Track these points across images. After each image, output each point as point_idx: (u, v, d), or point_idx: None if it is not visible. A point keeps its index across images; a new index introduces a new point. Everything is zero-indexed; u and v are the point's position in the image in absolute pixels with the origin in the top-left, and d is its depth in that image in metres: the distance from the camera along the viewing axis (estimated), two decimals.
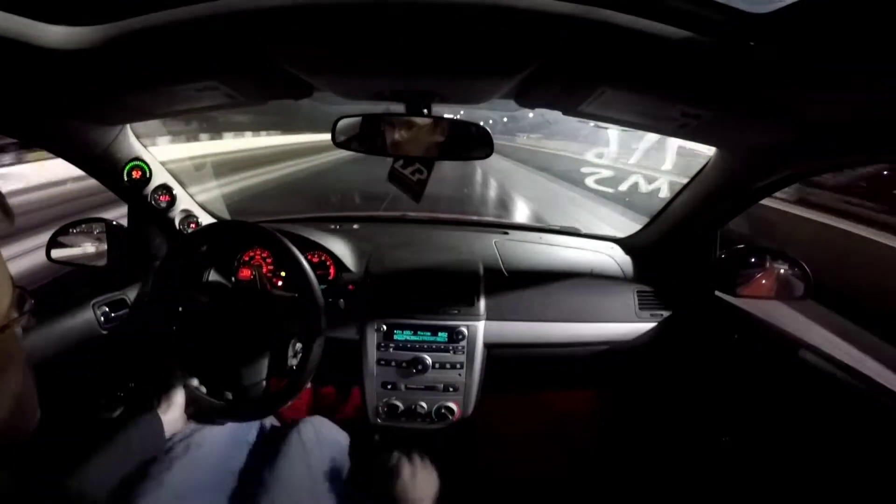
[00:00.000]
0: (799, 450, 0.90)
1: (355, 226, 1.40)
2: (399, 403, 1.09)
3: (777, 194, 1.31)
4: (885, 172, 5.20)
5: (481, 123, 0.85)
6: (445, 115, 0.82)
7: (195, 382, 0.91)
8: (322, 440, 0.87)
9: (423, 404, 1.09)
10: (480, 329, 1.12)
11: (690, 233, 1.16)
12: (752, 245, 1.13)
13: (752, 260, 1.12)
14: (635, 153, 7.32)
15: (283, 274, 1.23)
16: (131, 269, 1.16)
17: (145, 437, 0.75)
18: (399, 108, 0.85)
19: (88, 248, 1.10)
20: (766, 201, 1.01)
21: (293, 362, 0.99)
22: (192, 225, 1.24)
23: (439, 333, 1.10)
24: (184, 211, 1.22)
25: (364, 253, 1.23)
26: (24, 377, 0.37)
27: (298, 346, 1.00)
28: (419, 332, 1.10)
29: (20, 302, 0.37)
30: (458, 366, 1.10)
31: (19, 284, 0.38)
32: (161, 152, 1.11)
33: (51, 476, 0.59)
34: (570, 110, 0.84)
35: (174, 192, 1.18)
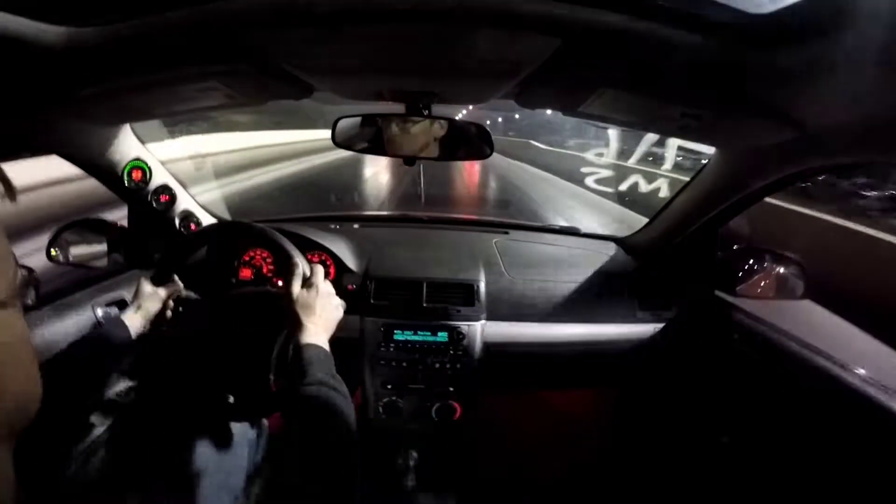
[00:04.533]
0: (798, 449, 0.91)
1: (356, 226, 1.40)
2: (399, 403, 1.09)
3: None
4: None
5: None
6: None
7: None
8: None
9: (424, 404, 1.09)
10: (480, 329, 1.12)
11: (690, 233, 1.16)
12: (752, 245, 1.13)
13: (752, 260, 1.12)
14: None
15: (283, 274, 1.23)
16: (131, 270, 1.16)
17: (112, 336, 0.77)
18: (399, 108, 0.85)
19: (88, 248, 1.10)
20: None
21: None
22: (192, 225, 1.24)
23: (439, 333, 1.10)
24: (184, 211, 1.22)
25: (364, 253, 1.23)
26: (28, 356, 0.37)
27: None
28: (419, 332, 1.10)
29: (25, 281, 0.37)
30: (459, 365, 1.10)
31: (22, 264, 0.38)
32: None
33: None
34: (570, 110, 0.84)
35: (174, 192, 1.18)
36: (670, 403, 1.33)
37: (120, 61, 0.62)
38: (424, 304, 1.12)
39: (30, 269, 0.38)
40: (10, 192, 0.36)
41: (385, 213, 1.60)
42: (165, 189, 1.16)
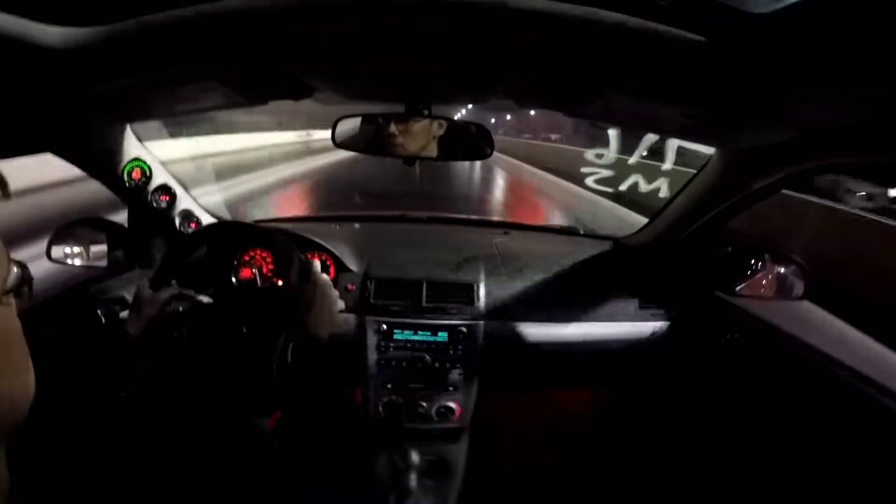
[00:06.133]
0: (798, 449, 0.91)
1: (356, 225, 1.40)
2: (399, 403, 1.09)
3: None
4: None
5: None
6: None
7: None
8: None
9: (424, 404, 1.09)
10: (480, 328, 1.12)
11: (690, 232, 1.16)
12: (752, 245, 1.13)
13: (752, 260, 1.12)
14: None
15: (283, 274, 1.23)
16: (131, 270, 1.16)
17: (112, 339, 0.79)
18: (399, 108, 0.85)
19: (89, 248, 1.10)
20: None
21: (294, 361, 0.99)
22: (192, 225, 1.24)
23: (439, 333, 1.10)
24: (184, 211, 1.22)
25: (364, 253, 1.23)
26: (21, 354, 0.37)
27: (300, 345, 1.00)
28: (419, 332, 1.10)
29: (20, 279, 0.37)
30: (458, 365, 1.10)
31: (18, 261, 0.38)
32: None
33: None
34: (569, 110, 0.84)
35: (174, 192, 1.18)
36: (670, 403, 1.33)
37: (120, 62, 0.62)
38: (424, 304, 1.12)
39: (23, 267, 0.38)
40: (4, 189, 0.36)
41: (385, 212, 1.60)
42: (165, 189, 1.16)
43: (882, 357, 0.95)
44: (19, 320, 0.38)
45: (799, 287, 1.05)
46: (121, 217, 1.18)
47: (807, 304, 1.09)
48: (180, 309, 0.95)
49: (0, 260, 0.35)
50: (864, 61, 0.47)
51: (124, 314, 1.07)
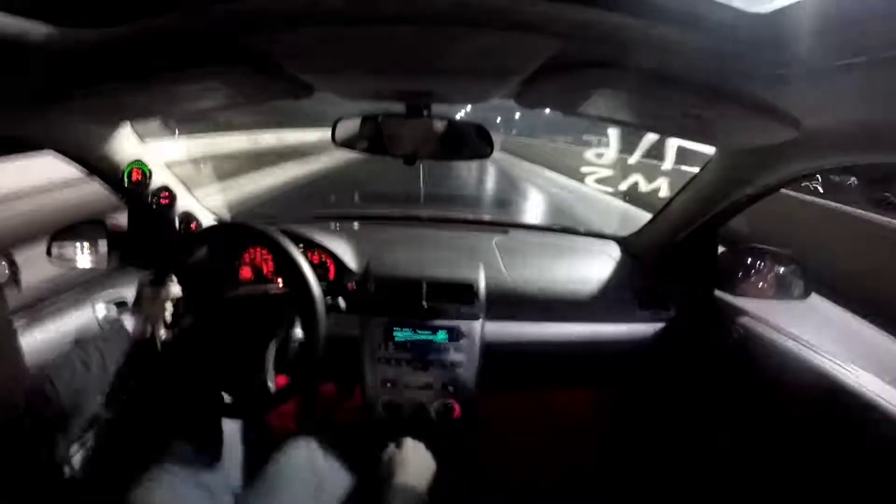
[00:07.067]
0: (798, 450, 0.91)
1: (356, 225, 1.40)
2: (399, 402, 1.09)
3: None
4: None
5: None
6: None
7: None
8: (315, 467, 0.88)
9: (423, 403, 1.09)
10: (480, 328, 1.12)
11: (691, 232, 1.16)
12: (752, 245, 1.13)
13: (752, 260, 1.12)
14: None
15: (283, 273, 1.23)
16: (131, 270, 1.16)
17: (111, 343, 0.78)
18: (399, 108, 0.86)
19: (89, 248, 1.10)
20: None
21: (295, 360, 0.99)
22: (193, 225, 1.24)
23: (439, 332, 1.10)
24: (184, 212, 1.22)
25: (364, 252, 1.23)
26: (10, 346, 0.37)
27: (300, 344, 1.01)
28: (419, 331, 1.10)
29: (10, 277, 0.38)
30: (458, 365, 1.10)
31: (6, 253, 0.39)
32: None
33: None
34: (570, 110, 0.84)
35: (174, 193, 1.18)
36: (670, 403, 1.33)
37: (121, 62, 0.62)
38: (424, 304, 1.12)
39: (12, 262, 0.38)
40: None
41: (385, 212, 1.60)
42: (165, 190, 1.16)
43: (889, 351, 0.95)
44: (9, 319, 0.38)
45: (799, 287, 1.05)
46: (121, 217, 1.19)
47: (814, 298, 1.09)
48: (180, 309, 0.95)
49: None
50: (863, 61, 0.47)
51: (124, 315, 1.07)
